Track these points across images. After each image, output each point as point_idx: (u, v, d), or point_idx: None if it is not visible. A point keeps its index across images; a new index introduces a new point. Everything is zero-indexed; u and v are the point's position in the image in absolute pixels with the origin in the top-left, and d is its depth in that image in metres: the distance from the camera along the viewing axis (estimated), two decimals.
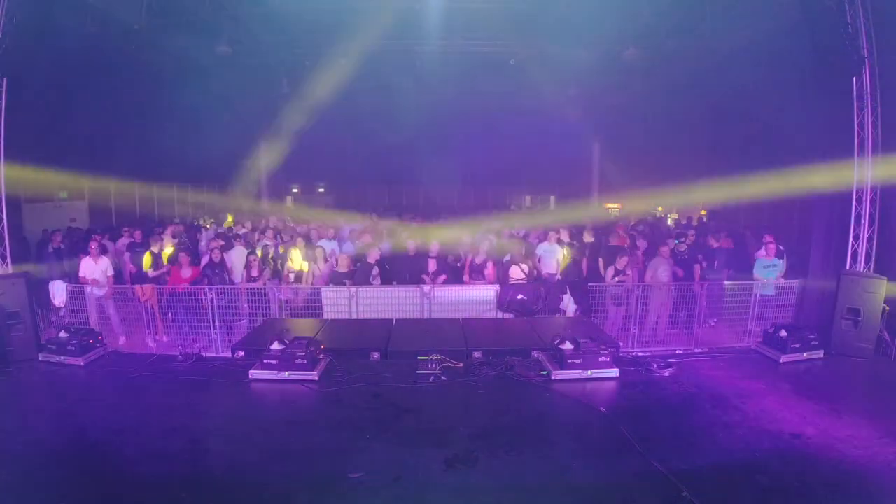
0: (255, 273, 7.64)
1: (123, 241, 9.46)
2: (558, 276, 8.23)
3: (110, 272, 7.67)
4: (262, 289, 7.44)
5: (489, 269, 7.92)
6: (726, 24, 10.48)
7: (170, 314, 7.37)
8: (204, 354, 6.53)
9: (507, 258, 8.07)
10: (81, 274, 7.48)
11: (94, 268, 7.49)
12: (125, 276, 8.39)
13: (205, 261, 7.97)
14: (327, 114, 18.95)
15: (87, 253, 7.64)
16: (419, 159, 20.58)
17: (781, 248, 7.82)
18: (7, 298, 6.33)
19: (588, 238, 9.32)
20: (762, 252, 7.81)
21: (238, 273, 7.95)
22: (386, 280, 7.87)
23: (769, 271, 7.44)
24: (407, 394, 5.16)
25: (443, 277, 7.80)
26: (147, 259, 7.95)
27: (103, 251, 8.00)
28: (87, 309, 7.16)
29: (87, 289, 7.23)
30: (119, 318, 7.43)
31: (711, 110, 13.43)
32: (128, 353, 6.80)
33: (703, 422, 4.68)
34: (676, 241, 8.35)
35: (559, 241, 8.76)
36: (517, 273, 7.78)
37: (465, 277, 7.89)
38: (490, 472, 3.87)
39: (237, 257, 8.27)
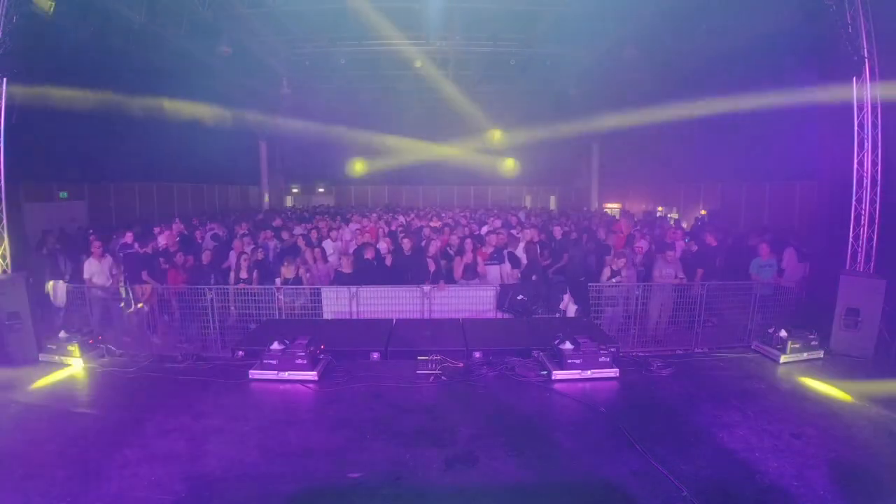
0: (244, 275, 7.60)
1: (117, 241, 9.45)
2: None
3: (115, 271, 7.67)
4: (253, 290, 7.36)
5: (482, 268, 7.91)
6: (726, 25, 10.49)
7: (177, 314, 7.37)
8: (204, 354, 6.53)
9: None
10: (86, 275, 7.48)
11: (98, 267, 7.49)
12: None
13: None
14: (327, 113, 18.98)
15: (84, 253, 7.64)
16: (419, 159, 20.63)
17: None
18: (7, 298, 6.33)
19: (602, 236, 9.35)
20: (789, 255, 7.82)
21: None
22: (386, 279, 7.84)
23: (765, 271, 7.44)
24: (407, 394, 5.16)
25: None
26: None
27: (106, 251, 8.02)
28: (88, 309, 7.16)
29: (93, 289, 7.23)
30: (123, 317, 7.44)
31: (710, 110, 13.46)
32: (128, 352, 6.79)
33: (703, 422, 4.67)
34: (686, 241, 8.34)
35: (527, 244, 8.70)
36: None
37: (457, 274, 7.87)
38: (490, 472, 3.87)
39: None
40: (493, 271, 8.00)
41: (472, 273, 7.81)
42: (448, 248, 8.66)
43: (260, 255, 8.19)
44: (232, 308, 7.19)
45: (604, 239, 9.20)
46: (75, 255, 8.82)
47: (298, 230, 10.86)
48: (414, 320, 7.18)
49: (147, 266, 7.94)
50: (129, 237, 9.01)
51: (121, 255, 8.62)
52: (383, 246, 9.15)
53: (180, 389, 5.42)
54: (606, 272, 7.53)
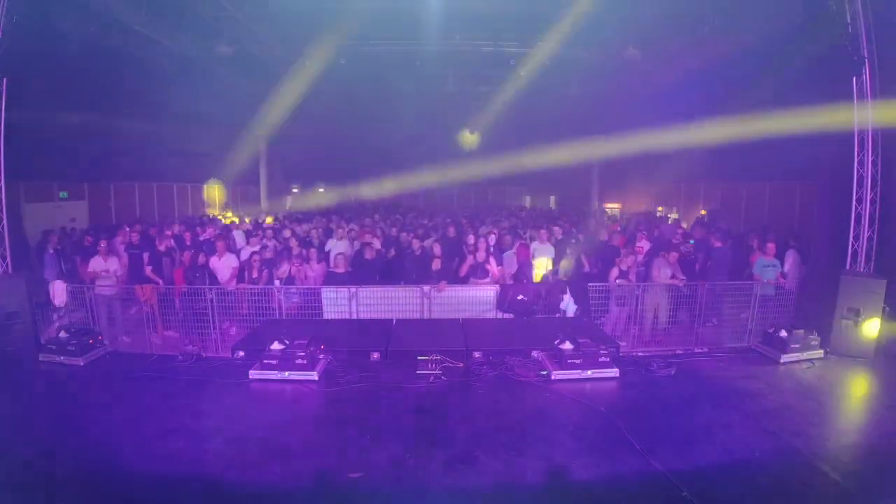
0: (254, 274, 7.62)
1: (121, 239, 9.42)
2: (560, 276, 8.25)
3: (120, 271, 7.70)
4: (261, 290, 7.38)
5: (492, 267, 7.90)
6: (726, 25, 10.47)
7: (179, 314, 7.38)
8: (204, 354, 6.53)
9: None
10: (91, 269, 7.49)
11: (104, 266, 7.52)
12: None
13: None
14: (327, 113, 18.96)
15: (86, 253, 7.64)
16: (419, 159, 20.56)
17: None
18: (7, 298, 6.33)
19: (604, 236, 9.36)
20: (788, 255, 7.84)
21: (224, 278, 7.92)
22: (388, 279, 7.84)
23: (769, 271, 7.43)
24: (407, 394, 5.17)
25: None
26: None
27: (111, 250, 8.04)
28: (89, 309, 7.16)
29: (97, 288, 7.24)
30: (123, 317, 7.46)
31: (711, 110, 13.44)
32: (128, 352, 6.79)
33: (703, 422, 4.67)
34: (692, 242, 8.35)
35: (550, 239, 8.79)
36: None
37: (463, 271, 7.85)
38: (490, 472, 3.87)
39: (224, 262, 8.18)
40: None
41: (482, 272, 7.80)
42: (465, 247, 8.70)
43: (266, 255, 8.20)
44: (244, 307, 7.21)
45: (608, 240, 9.19)
46: (71, 256, 8.83)
47: (298, 230, 10.84)
48: (414, 320, 7.18)
49: (152, 264, 7.98)
50: (135, 237, 9.04)
51: (126, 253, 8.63)
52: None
53: (180, 389, 5.42)
54: (615, 272, 7.52)
